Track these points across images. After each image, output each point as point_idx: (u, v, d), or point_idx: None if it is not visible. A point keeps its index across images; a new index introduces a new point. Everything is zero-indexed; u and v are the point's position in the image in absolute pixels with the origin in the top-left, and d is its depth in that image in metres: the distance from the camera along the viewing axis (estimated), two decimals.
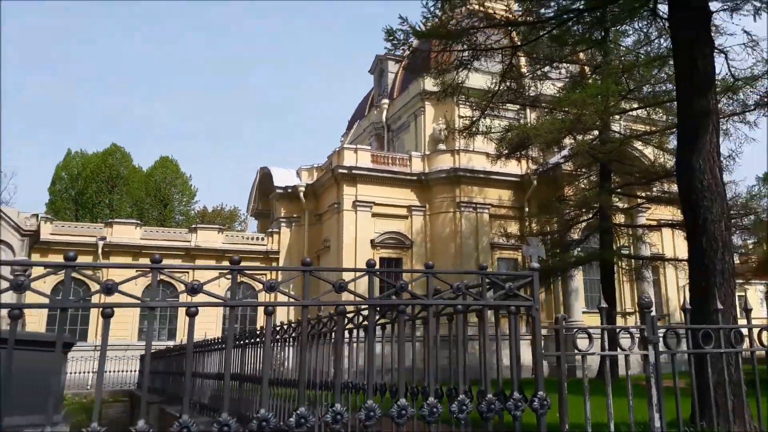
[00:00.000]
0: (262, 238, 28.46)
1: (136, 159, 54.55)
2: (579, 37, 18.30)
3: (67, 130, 71.99)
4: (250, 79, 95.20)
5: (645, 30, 17.04)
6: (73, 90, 76.97)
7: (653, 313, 3.51)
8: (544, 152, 25.31)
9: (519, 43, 9.59)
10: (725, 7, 8.41)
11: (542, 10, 9.48)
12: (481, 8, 11.19)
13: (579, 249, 22.47)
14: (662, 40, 17.48)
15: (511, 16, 9.91)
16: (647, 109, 20.31)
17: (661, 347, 3.53)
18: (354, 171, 24.28)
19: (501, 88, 20.76)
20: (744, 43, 11.60)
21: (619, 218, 26.66)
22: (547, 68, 20.66)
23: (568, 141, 21.22)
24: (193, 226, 29.06)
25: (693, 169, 7.44)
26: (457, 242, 25.73)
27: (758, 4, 7.73)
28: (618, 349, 3.69)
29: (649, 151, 22.02)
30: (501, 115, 25.16)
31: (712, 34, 13.62)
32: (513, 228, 25.02)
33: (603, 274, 20.89)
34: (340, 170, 24.13)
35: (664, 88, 19.36)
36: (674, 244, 27.89)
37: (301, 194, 26.60)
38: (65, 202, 39.91)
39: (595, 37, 17.68)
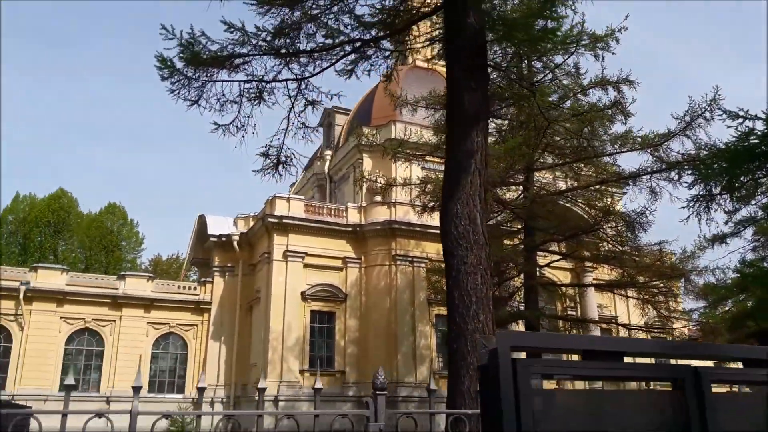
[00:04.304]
0: (195, 288, 27.50)
1: (84, 204, 53.71)
2: (504, 89, 18.21)
3: (15, 173, 69.41)
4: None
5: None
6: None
7: None
8: None
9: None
10: (495, 37, 8.07)
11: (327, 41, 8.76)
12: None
13: (515, 307, 21.67)
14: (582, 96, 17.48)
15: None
16: (573, 165, 20.07)
17: None
18: (285, 220, 23.72)
19: (432, 141, 20.69)
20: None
21: (563, 277, 26.06)
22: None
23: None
24: (122, 273, 28.13)
25: (450, 214, 6.85)
26: (392, 296, 24.91)
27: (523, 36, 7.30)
28: None
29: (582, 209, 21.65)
30: (433, 168, 24.93)
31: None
32: None
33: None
34: (270, 219, 23.59)
35: (586, 144, 19.15)
36: (628, 307, 27.07)
37: (235, 243, 25.91)
38: (11, 246, 38.83)
39: (519, 92, 17.61)
